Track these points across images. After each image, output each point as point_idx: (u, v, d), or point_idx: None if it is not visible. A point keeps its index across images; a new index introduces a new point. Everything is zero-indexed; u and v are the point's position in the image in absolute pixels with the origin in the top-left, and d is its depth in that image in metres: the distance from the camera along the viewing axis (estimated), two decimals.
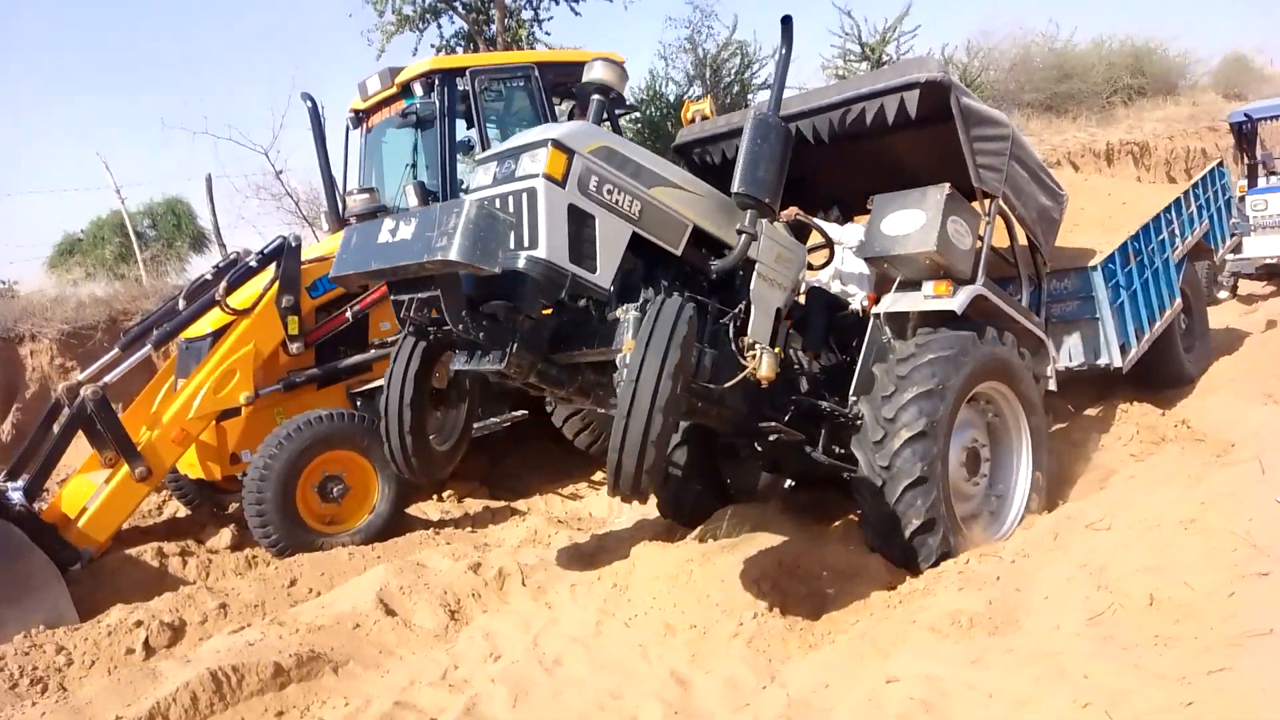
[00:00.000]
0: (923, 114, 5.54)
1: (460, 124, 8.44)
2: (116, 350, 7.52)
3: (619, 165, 4.51)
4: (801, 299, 5.74)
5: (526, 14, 18.89)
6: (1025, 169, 6.23)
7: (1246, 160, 14.72)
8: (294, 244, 7.44)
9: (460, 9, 18.60)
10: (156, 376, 8.09)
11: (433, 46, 18.69)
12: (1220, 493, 4.61)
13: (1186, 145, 21.45)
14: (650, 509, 6.72)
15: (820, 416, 5.37)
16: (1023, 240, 6.59)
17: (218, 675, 4.37)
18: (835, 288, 6.06)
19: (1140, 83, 27.25)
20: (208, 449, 7.31)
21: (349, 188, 8.85)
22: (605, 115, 5.30)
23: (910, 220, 5.59)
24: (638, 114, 18.97)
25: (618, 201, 4.45)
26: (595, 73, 4.87)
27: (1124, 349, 7.14)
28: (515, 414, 7.97)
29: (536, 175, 4.26)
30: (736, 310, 4.85)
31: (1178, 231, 8.28)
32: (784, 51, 4.82)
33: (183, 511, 8.39)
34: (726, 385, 4.58)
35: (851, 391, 5.40)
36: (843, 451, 5.41)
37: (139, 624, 5.37)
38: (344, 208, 8.68)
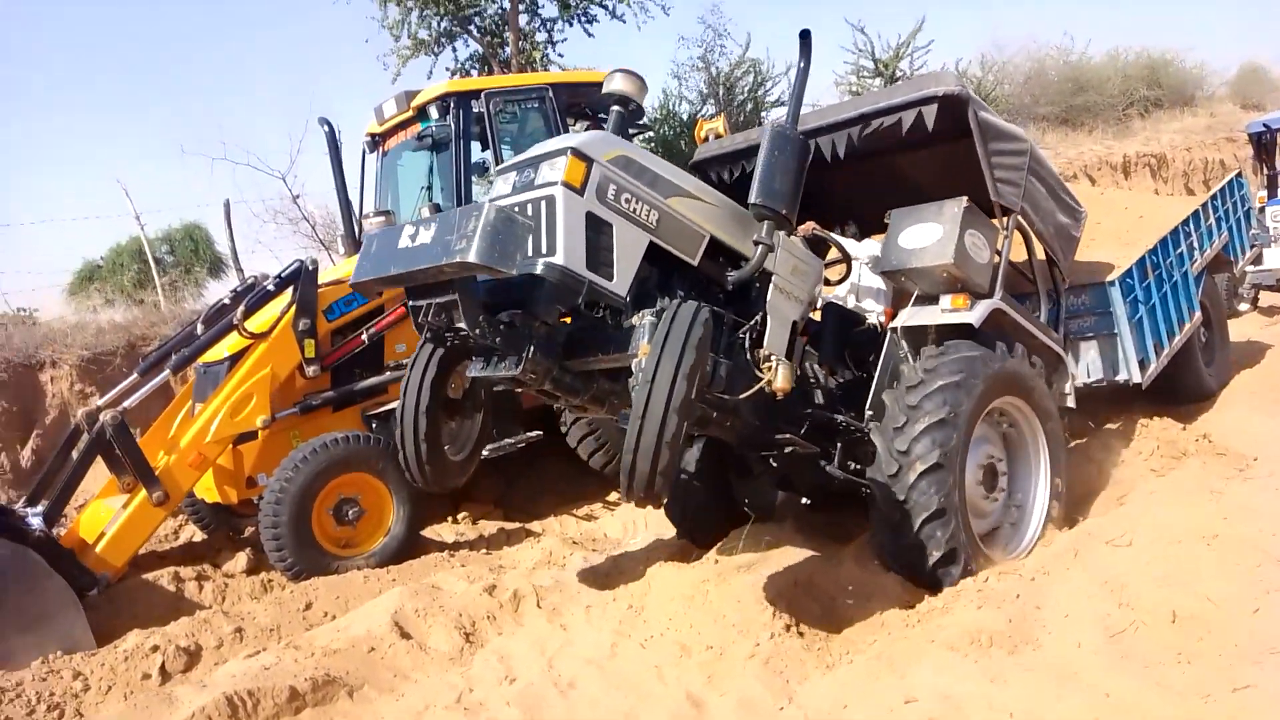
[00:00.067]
0: (940, 130, 5.52)
1: (475, 146, 8.48)
2: (135, 375, 7.57)
3: (637, 174, 4.52)
4: (817, 314, 5.72)
5: (541, 36, 19.05)
6: (1044, 185, 6.20)
7: (1265, 171, 14.60)
8: (311, 268, 7.49)
9: (475, 32, 18.77)
10: (174, 401, 8.13)
11: (448, 70, 18.87)
12: (1242, 507, 4.57)
13: (1204, 156, 21.38)
14: (665, 529, 6.70)
15: (835, 431, 5.35)
16: (1041, 256, 6.55)
17: (233, 700, 4.35)
18: (852, 303, 6.05)
19: (1156, 94, 27.20)
20: (224, 473, 7.34)
21: (365, 211, 8.92)
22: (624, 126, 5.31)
23: (927, 233, 5.57)
24: (651, 133, 19.05)
25: (635, 210, 4.47)
26: (615, 84, 4.90)
27: (1143, 365, 7.06)
28: (530, 435, 7.96)
29: (555, 183, 4.28)
30: (752, 322, 4.84)
31: (1196, 244, 8.21)
32: (802, 65, 4.83)
33: (199, 536, 8.44)
34: (741, 396, 4.57)
35: (870, 400, 5.37)
36: (858, 467, 5.38)
37: (155, 649, 5.37)
38: (360, 231, 8.76)
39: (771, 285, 4.81)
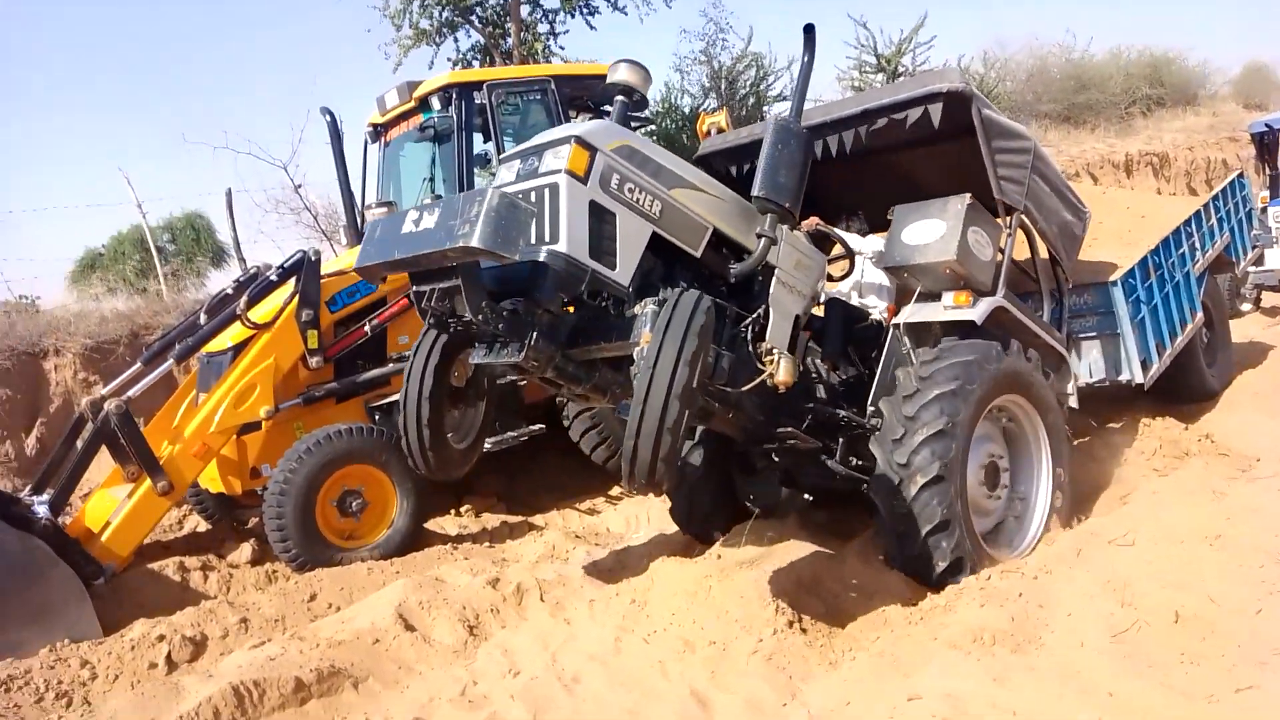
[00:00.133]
0: (943, 127, 5.52)
1: (477, 137, 8.48)
2: (139, 365, 7.59)
3: (640, 164, 4.53)
4: (820, 310, 5.73)
5: (542, 28, 19.03)
6: (1047, 184, 6.20)
7: (1268, 171, 14.58)
8: (314, 258, 7.49)
9: (477, 23, 18.74)
10: (178, 391, 8.15)
11: (450, 60, 18.85)
12: (1245, 507, 4.59)
13: (1207, 156, 21.35)
14: (668, 524, 6.72)
15: (837, 426, 5.37)
16: (1044, 255, 6.56)
17: (239, 690, 4.38)
18: (855, 299, 6.05)
19: (1159, 93, 27.16)
20: (228, 463, 7.37)
21: (367, 201, 8.91)
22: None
23: (930, 230, 5.58)
24: (653, 126, 19.02)
25: (638, 200, 4.48)
26: (619, 74, 4.90)
27: (1145, 365, 7.07)
28: (532, 428, 7.99)
29: (559, 171, 4.30)
30: (755, 315, 4.83)
31: (1198, 245, 8.21)
32: (806, 59, 4.85)
33: (203, 526, 8.46)
34: (744, 389, 4.59)
35: (871, 398, 5.39)
36: (860, 462, 5.39)
37: (161, 638, 5.40)
38: (362, 221, 8.76)
39: (774, 279, 4.81)
